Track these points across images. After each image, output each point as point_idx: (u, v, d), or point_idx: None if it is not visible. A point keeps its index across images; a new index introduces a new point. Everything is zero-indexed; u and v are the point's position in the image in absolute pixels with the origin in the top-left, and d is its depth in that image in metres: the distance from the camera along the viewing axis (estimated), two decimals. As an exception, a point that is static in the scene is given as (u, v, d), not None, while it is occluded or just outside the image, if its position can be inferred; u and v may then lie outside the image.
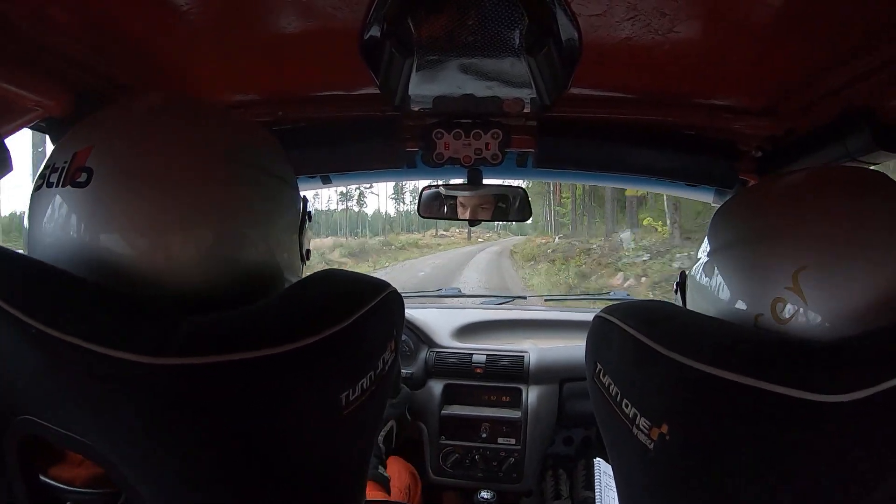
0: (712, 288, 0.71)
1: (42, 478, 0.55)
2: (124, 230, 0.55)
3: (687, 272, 0.83)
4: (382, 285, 0.66)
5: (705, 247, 0.76)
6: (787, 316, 0.59)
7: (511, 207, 1.49)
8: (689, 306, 0.79)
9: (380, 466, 1.27)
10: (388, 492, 1.25)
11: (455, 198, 1.49)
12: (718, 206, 0.80)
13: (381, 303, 0.63)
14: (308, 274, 0.64)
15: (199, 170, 0.59)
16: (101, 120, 0.62)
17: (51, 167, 0.58)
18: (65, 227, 0.56)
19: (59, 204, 0.56)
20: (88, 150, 0.56)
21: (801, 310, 0.58)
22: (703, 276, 0.74)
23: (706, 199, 1.48)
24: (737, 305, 0.65)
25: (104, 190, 0.55)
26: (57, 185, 0.56)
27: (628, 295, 2.40)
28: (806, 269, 0.58)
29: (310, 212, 0.78)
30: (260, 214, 0.65)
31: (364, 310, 0.59)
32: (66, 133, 0.62)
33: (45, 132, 0.92)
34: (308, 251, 0.79)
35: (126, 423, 0.48)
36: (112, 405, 0.48)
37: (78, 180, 0.55)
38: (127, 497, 0.51)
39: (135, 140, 0.58)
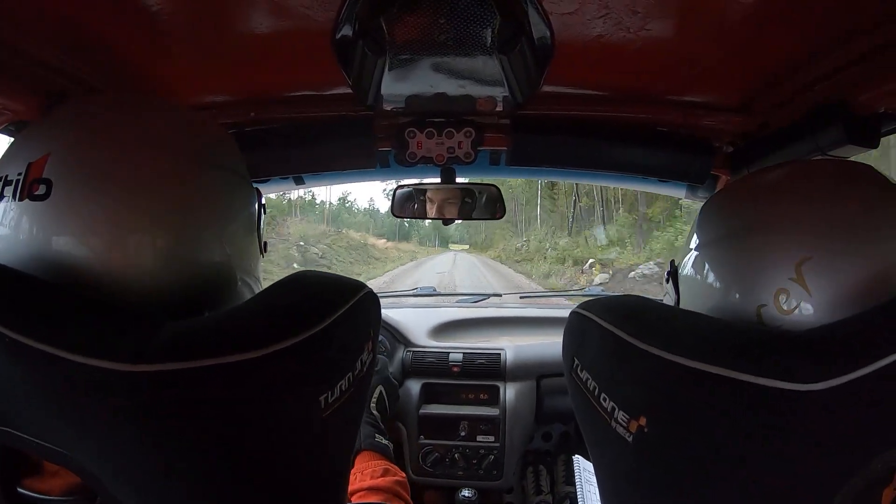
0: (706, 281, 0.72)
1: (18, 489, 0.54)
2: (87, 237, 0.54)
3: (677, 263, 0.84)
4: (358, 286, 0.66)
5: (694, 240, 0.77)
6: (791, 307, 0.61)
7: (478, 203, 1.48)
8: (682, 297, 0.80)
9: (377, 435, 1.23)
10: (392, 459, 1.21)
11: (424, 195, 1.48)
12: (691, 200, 0.81)
13: (357, 304, 0.62)
14: (285, 276, 0.64)
15: (161, 171, 0.58)
16: (53, 125, 0.60)
17: (2, 179, 0.55)
18: (23, 240, 0.54)
19: (16, 218, 0.54)
20: (44, 160, 0.54)
21: (805, 300, 0.60)
22: (695, 269, 0.75)
23: (678, 195, 1.51)
24: (735, 297, 0.66)
25: (66, 201, 0.53)
26: (13, 199, 0.54)
27: (603, 290, 2.43)
28: (809, 260, 0.60)
29: (263, 204, 0.78)
30: (222, 212, 0.65)
31: (340, 312, 0.58)
32: (14, 140, 0.59)
33: (13, 136, 0.88)
34: (265, 244, 0.79)
35: (104, 431, 0.47)
36: (90, 415, 0.47)
37: (36, 193, 0.53)
38: (102, 502, 0.50)
39: (92, 144, 0.56)
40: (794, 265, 0.60)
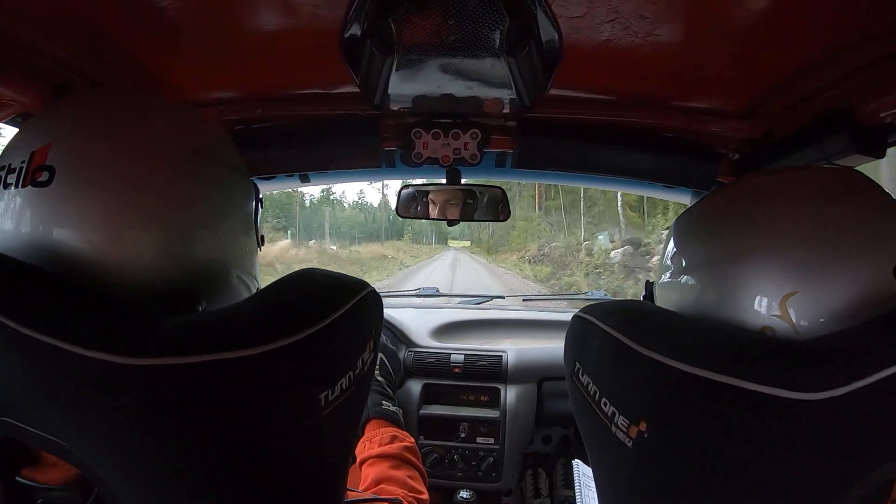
0: (690, 304, 0.70)
1: (17, 479, 0.54)
2: (87, 227, 0.54)
3: (653, 282, 0.83)
4: (361, 285, 0.66)
5: (672, 260, 0.76)
6: None
7: (480, 204, 1.48)
8: None
9: (384, 402, 1.21)
10: (401, 425, 1.19)
11: (427, 195, 1.49)
12: None
13: (360, 303, 0.62)
14: (288, 273, 0.64)
15: (160, 166, 0.58)
16: (57, 117, 0.61)
17: (6, 168, 0.56)
18: (25, 228, 0.54)
19: (19, 205, 0.54)
20: (47, 148, 0.55)
21: (790, 333, 0.59)
22: (674, 295, 0.73)
23: (683, 201, 1.51)
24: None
25: (68, 187, 0.54)
26: (16, 187, 0.54)
27: (606, 295, 2.42)
28: (793, 295, 0.58)
29: (261, 199, 0.78)
30: (220, 208, 0.65)
31: (342, 311, 0.59)
32: (18, 131, 0.60)
33: (20, 127, 0.89)
34: (262, 236, 0.79)
35: (104, 425, 0.47)
36: (89, 407, 0.47)
37: (39, 179, 0.54)
38: (100, 496, 0.50)
39: (93, 137, 0.57)
40: (779, 302, 0.59)
